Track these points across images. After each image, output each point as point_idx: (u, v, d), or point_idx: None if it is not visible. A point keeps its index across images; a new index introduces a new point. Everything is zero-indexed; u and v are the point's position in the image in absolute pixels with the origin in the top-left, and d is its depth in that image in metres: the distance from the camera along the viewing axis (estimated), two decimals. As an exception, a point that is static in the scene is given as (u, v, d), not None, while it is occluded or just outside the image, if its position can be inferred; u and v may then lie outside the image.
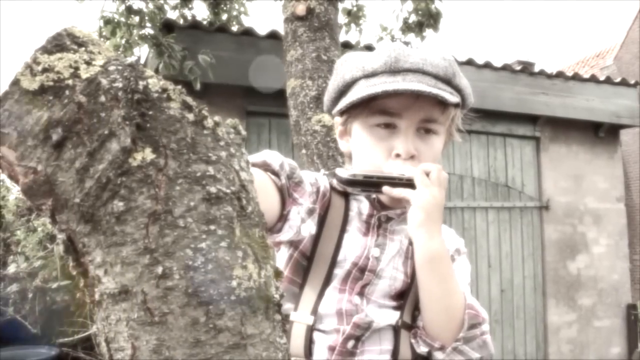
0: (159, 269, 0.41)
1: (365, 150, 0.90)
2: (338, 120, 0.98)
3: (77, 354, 3.60)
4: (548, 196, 5.16)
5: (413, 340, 0.88)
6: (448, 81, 0.88)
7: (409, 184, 0.83)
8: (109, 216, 0.40)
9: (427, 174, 0.84)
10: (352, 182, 0.85)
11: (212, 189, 0.42)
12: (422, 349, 0.86)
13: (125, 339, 0.42)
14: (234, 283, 0.42)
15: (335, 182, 0.93)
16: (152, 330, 0.41)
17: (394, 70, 0.86)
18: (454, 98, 0.86)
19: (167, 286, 0.41)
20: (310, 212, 0.84)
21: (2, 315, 3.62)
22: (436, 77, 0.87)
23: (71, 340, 3.58)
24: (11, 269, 3.76)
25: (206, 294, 0.41)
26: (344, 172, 0.86)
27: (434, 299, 0.85)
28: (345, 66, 0.92)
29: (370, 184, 0.84)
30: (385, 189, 0.83)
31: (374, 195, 0.92)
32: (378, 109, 0.87)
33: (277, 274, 0.49)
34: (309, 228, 0.83)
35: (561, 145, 5.30)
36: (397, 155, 0.87)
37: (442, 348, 0.84)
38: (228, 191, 0.43)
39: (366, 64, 0.89)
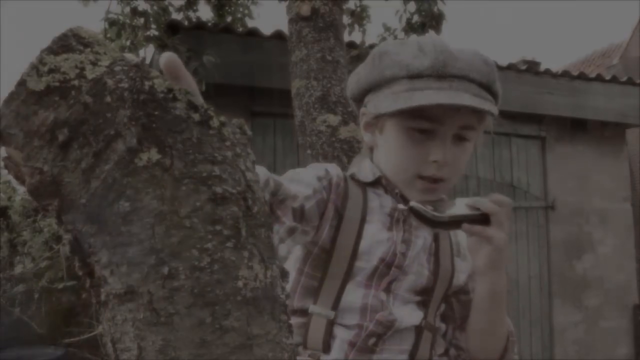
0: (165, 270, 0.40)
1: (399, 151, 0.89)
2: (366, 110, 0.94)
3: (83, 354, 3.61)
4: (554, 196, 5.14)
5: None
6: (488, 88, 0.87)
7: (484, 219, 0.81)
8: (115, 216, 0.40)
9: (498, 204, 0.81)
10: (436, 223, 0.82)
11: (218, 189, 0.42)
12: None
13: (131, 339, 0.42)
14: (240, 283, 0.42)
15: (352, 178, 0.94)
16: (158, 331, 0.41)
17: (440, 75, 0.83)
18: (495, 109, 0.85)
19: (173, 286, 0.41)
20: (291, 231, 0.81)
21: (8, 316, 3.64)
22: (480, 84, 0.85)
23: (77, 341, 3.59)
24: (17, 269, 3.78)
25: (212, 294, 0.41)
26: (425, 209, 0.82)
27: (488, 328, 0.89)
28: (386, 61, 0.88)
29: (453, 223, 0.82)
30: (465, 226, 0.81)
31: (397, 190, 0.92)
32: (420, 113, 0.84)
33: (283, 274, 0.48)
34: (288, 247, 0.82)
35: (567, 144, 5.27)
36: (434, 162, 0.86)
37: None
38: (234, 191, 0.43)
39: (411, 64, 0.84)
